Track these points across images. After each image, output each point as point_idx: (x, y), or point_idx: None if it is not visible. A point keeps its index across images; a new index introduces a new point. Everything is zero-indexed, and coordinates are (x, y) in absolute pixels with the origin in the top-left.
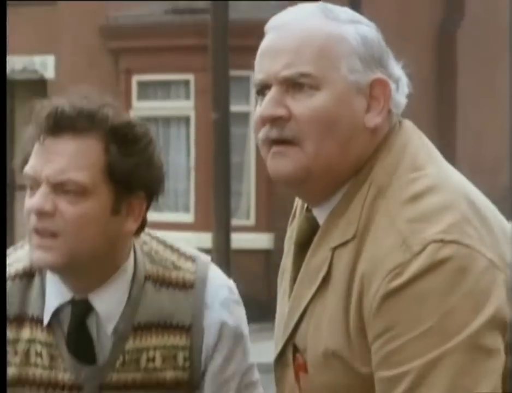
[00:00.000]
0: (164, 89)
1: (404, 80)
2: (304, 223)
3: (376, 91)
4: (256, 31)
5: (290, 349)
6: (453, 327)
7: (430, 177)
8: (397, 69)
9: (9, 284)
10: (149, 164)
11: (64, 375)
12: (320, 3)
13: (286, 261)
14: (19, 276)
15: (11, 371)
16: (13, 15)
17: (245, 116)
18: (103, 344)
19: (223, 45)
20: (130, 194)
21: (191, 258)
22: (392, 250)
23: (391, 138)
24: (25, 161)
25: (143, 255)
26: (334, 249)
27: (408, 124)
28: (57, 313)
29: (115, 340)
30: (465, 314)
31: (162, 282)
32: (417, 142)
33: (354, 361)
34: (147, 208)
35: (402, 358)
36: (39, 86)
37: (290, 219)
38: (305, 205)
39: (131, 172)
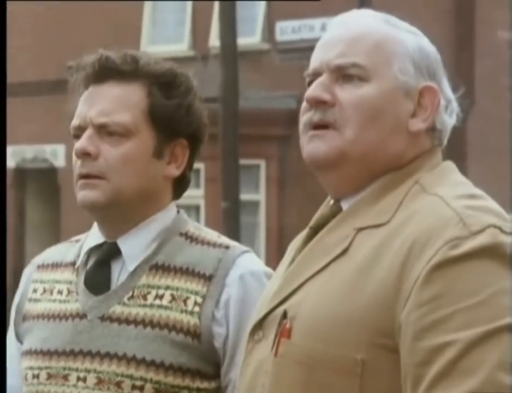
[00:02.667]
0: None
1: (454, 106)
2: (327, 210)
3: (425, 99)
4: (265, 120)
5: (276, 316)
6: (505, 306)
7: (479, 191)
8: (449, 91)
9: (63, 244)
10: (189, 108)
11: (74, 305)
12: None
13: (285, 259)
14: (71, 241)
15: (34, 306)
16: (24, 105)
17: (255, 205)
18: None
19: (233, 134)
20: (172, 139)
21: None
22: (449, 224)
23: (436, 157)
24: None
25: (192, 225)
26: (359, 229)
27: (451, 163)
28: (89, 257)
29: (129, 276)
30: None
31: (198, 241)
32: (462, 177)
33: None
34: (190, 159)
35: (449, 327)
36: (49, 175)
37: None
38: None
39: (172, 115)
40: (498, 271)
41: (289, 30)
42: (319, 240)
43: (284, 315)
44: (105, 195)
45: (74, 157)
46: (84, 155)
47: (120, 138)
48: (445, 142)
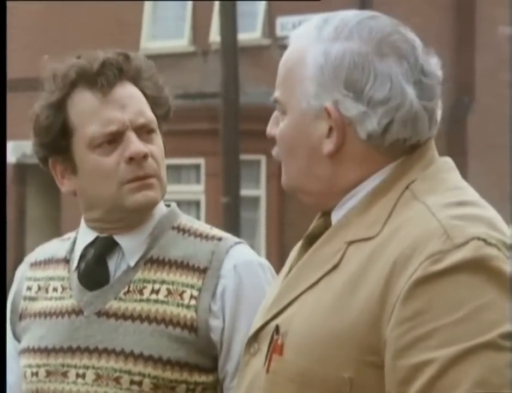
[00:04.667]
0: (175, 173)
1: (409, 95)
2: (320, 221)
3: (332, 117)
4: (266, 116)
5: (270, 330)
6: (487, 322)
7: (475, 196)
8: (381, 92)
9: (53, 242)
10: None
11: (69, 302)
12: (332, 14)
13: (284, 269)
14: (62, 238)
15: (31, 305)
16: (24, 100)
17: (255, 200)
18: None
19: (234, 129)
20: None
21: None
22: (433, 237)
23: (427, 155)
24: (49, 132)
25: (184, 218)
26: (350, 243)
27: (448, 161)
28: (84, 254)
29: (125, 271)
30: (500, 312)
31: (191, 233)
32: (459, 178)
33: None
34: None
35: (430, 345)
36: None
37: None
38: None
39: (166, 107)
40: (480, 285)
41: (289, 25)
42: (312, 253)
43: (276, 330)
44: (160, 193)
45: (113, 161)
46: (144, 157)
47: (152, 136)
48: (424, 129)
